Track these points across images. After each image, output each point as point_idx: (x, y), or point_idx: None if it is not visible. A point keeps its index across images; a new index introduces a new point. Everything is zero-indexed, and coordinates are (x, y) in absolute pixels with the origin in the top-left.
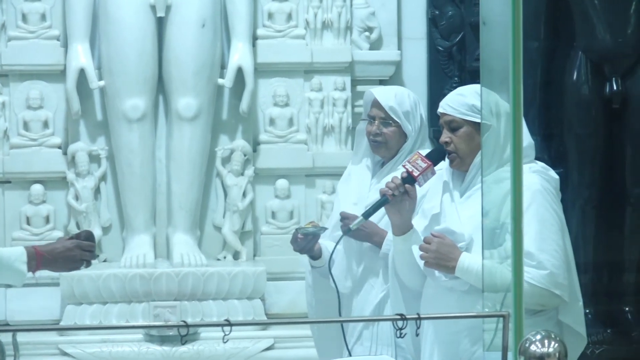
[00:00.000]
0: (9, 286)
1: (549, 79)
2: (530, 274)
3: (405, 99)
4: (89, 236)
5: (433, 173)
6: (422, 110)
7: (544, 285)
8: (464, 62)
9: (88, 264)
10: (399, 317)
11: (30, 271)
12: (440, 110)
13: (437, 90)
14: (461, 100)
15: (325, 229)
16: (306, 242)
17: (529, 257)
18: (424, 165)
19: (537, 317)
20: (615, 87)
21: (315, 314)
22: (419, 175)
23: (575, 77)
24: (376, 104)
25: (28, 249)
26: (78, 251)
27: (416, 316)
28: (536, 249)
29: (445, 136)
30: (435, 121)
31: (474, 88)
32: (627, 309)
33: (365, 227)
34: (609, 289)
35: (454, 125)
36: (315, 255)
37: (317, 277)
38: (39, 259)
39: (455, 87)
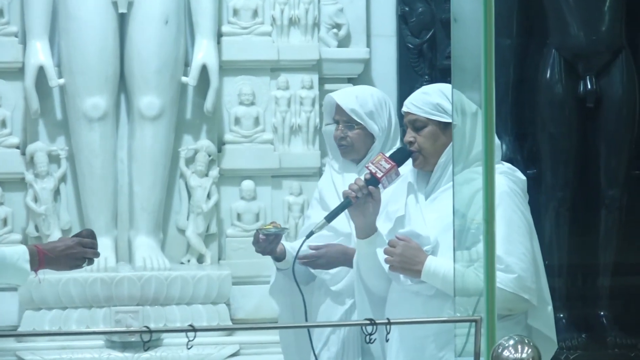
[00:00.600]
0: None
1: (522, 77)
2: (498, 278)
3: (367, 99)
4: (90, 234)
5: (397, 174)
6: (391, 109)
7: (512, 289)
8: (435, 60)
9: (90, 262)
10: (368, 322)
11: (33, 270)
12: (404, 109)
13: (406, 88)
14: (425, 99)
15: (286, 229)
16: (268, 243)
17: (497, 261)
18: (387, 166)
19: (505, 321)
20: (589, 86)
21: (282, 317)
22: (382, 176)
23: (548, 75)
24: (338, 107)
25: (30, 248)
26: (80, 248)
27: (386, 321)
28: (504, 252)
29: (409, 135)
30: (404, 121)
31: (439, 87)
32: (602, 313)
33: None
34: (583, 292)
35: (418, 125)
36: (279, 257)
37: (281, 279)
38: (41, 257)
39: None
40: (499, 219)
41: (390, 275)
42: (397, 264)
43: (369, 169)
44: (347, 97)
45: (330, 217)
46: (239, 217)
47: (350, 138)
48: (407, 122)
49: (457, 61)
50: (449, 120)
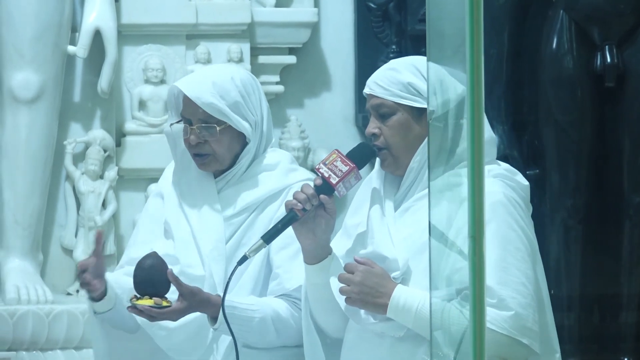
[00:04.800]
0: None
1: (520, 47)
2: (488, 316)
3: (228, 85)
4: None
5: (357, 179)
6: (261, 91)
7: (506, 331)
8: (405, 25)
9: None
10: None
11: None
12: (366, 90)
13: (367, 62)
14: (393, 77)
15: (168, 305)
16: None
17: (487, 294)
18: (345, 168)
19: None
20: (608, 59)
21: None
22: (338, 182)
23: (554, 45)
24: (187, 101)
25: None
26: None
27: None
28: (496, 283)
29: (373, 126)
30: (365, 105)
31: (412, 61)
32: (625, 359)
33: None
34: (601, 332)
35: (384, 112)
36: (97, 296)
37: (98, 327)
38: None
39: (393, 59)
40: (490, 238)
41: (347, 310)
42: (356, 295)
43: (320, 172)
44: (200, 85)
45: (270, 237)
46: None
47: (211, 144)
48: (370, 108)
49: (434, 26)
50: (424, 105)
